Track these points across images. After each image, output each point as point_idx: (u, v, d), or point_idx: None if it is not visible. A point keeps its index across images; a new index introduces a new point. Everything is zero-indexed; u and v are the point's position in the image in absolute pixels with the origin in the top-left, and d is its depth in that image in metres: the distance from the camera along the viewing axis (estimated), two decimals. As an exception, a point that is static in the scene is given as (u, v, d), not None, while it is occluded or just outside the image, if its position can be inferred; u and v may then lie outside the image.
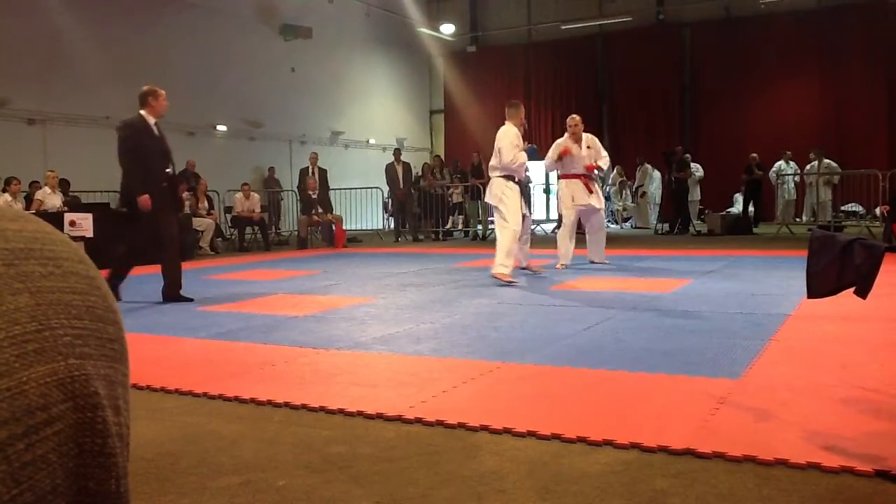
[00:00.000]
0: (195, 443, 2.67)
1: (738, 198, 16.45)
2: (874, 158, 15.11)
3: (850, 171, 14.37)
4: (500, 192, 7.12)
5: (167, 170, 6.29)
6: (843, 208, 14.51)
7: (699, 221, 15.69)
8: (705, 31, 18.94)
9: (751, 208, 15.14)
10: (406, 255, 10.94)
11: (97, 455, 0.36)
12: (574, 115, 8.48)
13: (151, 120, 6.17)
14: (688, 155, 15.39)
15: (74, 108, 12.42)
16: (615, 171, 18.22)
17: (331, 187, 14.38)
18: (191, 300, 6.17)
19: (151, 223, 6.17)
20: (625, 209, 18.09)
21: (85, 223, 9.25)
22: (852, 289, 2.54)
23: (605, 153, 8.45)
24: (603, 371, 3.51)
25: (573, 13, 19.59)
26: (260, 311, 5.63)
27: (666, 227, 14.94)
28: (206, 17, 14.65)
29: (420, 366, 3.72)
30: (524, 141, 7.34)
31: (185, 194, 12.15)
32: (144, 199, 6.07)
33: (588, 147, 8.27)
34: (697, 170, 15.94)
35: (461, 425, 2.72)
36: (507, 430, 2.65)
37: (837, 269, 2.51)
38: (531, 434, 2.60)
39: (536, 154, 7.82)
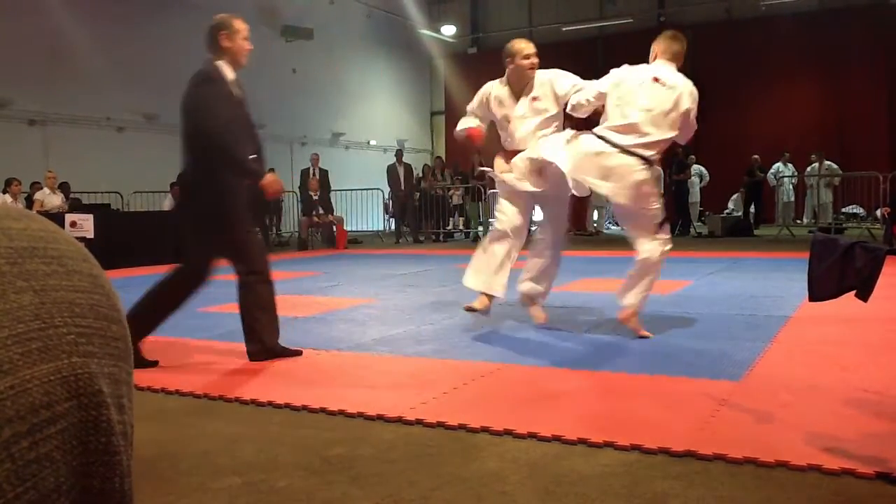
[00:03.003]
0: (196, 444, 2.67)
1: (737, 199, 16.43)
2: (875, 160, 15.10)
3: (851, 174, 14.36)
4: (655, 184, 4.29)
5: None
6: (843, 210, 14.50)
7: (699, 223, 15.68)
8: (706, 32, 18.92)
9: (752, 210, 15.14)
10: (407, 257, 10.93)
11: (101, 453, 0.36)
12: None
13: (231, 75, 3.94)
14: (692, 157, 15.37)
15: (75, 109, 12.41)
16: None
17: (332, 188, 14.38)
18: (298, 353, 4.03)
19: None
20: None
21: (86, 224, 9.26)
22: (854, 292, 2.54)
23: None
24: (603, 373, 3.50)
25: (574, 15, 19.59)
26: (260, 312, 5.63)
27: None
28: (208, 18, 14.52)
29: (421, 367, 3.72)
30: None
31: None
32: (272, 181, 3.76)
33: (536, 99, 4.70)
34: (702, 174, 15.90)
35: (462, 427, 2.72)
36: (507, 432, 2.64)
37: (839, 273, 2.51)
38: (532, 436, 2.60)
39: None
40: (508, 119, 4.66)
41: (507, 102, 4.68)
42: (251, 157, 3.85)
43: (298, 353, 3.97)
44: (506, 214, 4.58)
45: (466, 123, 4.85)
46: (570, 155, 4.16)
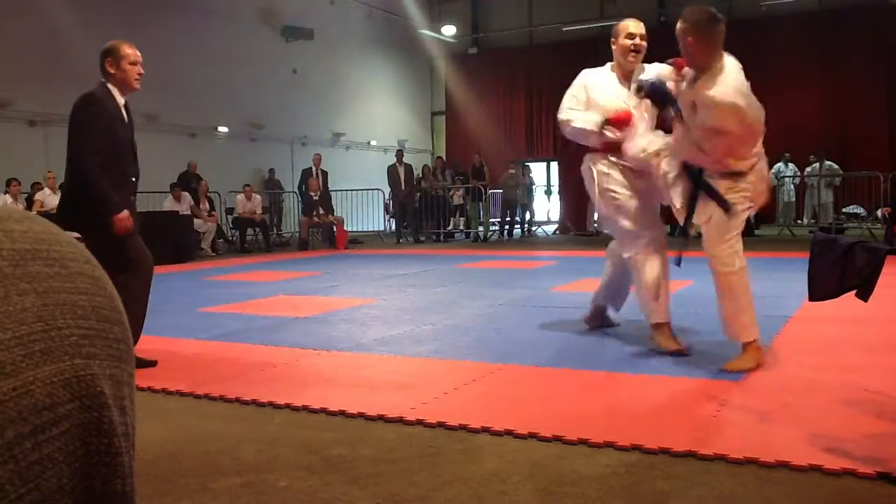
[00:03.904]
0: (196, 444, 2.67)
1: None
2: (876, 160, 15.09)
3: (852, 174, 14.35)
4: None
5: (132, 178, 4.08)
6: (844, 210, 14.50)
7: (700, 223, 15.66)
8: (706, 32, 18.93)
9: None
10: (407, 257, 10.94)
11: (103, 454, 0.36)
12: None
13: (121, 99, 4.01)
14: None
15: (76, 109, 12.41)
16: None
17: (332, 189, 14.38)
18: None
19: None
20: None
21: (86, 224, 9.25)
22: (854, 291, 2.54)
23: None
24: (604, 373, 3.50)
25: (574, 15, 19.58)
26: (261, 313, 5.63)
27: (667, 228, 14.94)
28: (208, 18, 14.66)
29: (421, 367, 3.72)
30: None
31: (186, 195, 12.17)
32: (122, 219, 3.81)
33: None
34: None
35: (462, 427, 2.72)
36: (508, 432, 2.65)
37: (839, 273, 2.51)
38: (532, 436, 2.60)
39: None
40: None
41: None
42: (132, 179, 4.03)
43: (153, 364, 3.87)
44: None
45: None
46: None
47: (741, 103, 3.31)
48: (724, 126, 3.34)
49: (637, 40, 4.10)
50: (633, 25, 4.13)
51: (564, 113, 4.13)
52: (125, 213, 3.82)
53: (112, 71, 3.92)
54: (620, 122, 3.95)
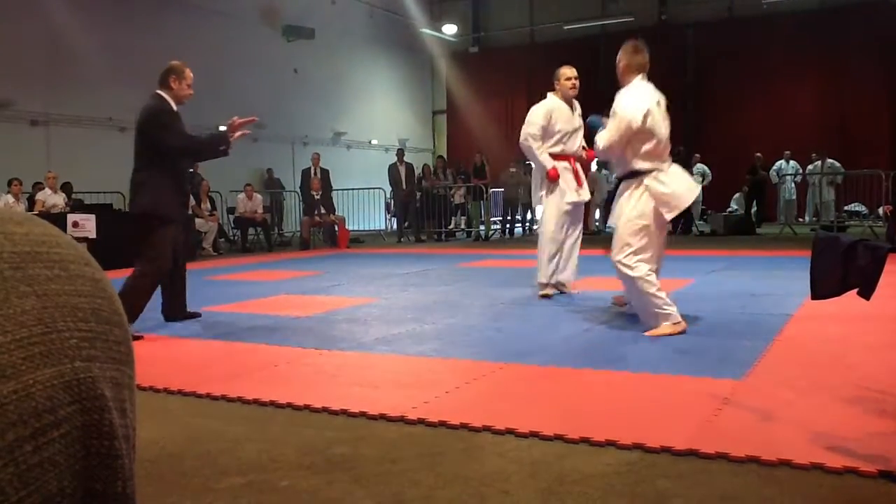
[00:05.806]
0: (198, 444, 2.67)
1: (739, 198, 16.40)
2: (877, 158, 15.08)
3: (853, 172, 14.35)
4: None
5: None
6: (846, 208, 14.49)
7: (702, 222, 15.66)
8: (708, 31, 18.91)
9: (754, 208, 15.12)
10: (409, 256, 10.94)
11: (104, 457, 0.37)
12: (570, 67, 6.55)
13: (174, 106, 5.03)
14: (697, 155, 15.31)
15: (77, 109, 12.41)
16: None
17: (333, 188, 14.38)
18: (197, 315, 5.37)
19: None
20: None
21: (88, 224, 9.26)
22: (856, 290, 2.54)
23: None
24: (606, 372, 3.50)
25: (576, 14, 19.58)
26: (263, 312, 5.63)
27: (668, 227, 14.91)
28: (209, 18, 14.66)
29: (423, 366, 3.73)
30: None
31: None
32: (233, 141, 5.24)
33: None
34: (705, 173, 15.86)
35: (464, 426, 2.72)
36: (509, 431, 2.65)
37: (841, 271, 2.51)
38: (534, 435, 2.60)
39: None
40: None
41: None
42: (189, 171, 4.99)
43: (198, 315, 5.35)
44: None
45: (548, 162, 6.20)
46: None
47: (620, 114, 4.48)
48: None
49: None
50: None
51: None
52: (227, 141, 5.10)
53: (174, 86, 4.98)
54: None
